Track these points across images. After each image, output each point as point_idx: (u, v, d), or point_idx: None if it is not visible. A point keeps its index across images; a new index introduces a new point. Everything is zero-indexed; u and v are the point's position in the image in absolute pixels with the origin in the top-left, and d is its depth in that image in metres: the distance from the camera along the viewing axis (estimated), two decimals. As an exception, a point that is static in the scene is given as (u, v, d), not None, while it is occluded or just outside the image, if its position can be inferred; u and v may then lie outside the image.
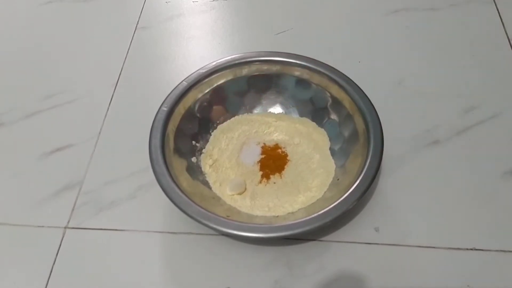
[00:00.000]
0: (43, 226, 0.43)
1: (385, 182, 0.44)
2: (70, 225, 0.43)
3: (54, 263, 0.41)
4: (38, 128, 0.50)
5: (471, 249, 0.40)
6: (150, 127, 0.43)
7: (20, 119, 0.51)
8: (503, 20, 0.57)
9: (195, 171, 0.44)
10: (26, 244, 0.42)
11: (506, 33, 0.55)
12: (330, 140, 0.46)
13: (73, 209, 0.44)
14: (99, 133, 0.49)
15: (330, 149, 0.46)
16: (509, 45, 0.54)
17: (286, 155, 0.46)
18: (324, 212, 0.38)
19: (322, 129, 0.47)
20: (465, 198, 0.43)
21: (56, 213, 0.44)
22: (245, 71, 0.48)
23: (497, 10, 0.58)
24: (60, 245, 0.42)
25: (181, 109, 0.45)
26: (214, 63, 0.47)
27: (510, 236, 0.41)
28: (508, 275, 0.39)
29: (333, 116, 0.47)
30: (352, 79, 0.45)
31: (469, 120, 0.48)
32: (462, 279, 0.39)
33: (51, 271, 0.40)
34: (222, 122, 0.48)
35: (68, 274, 0.40)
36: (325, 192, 0.43)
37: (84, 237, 0.42)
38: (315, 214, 0.38)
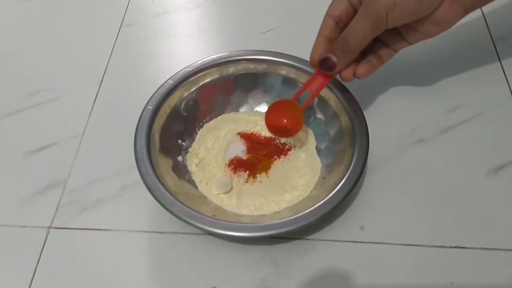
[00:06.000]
0: (26, 226, 0.43)
1: (370, 181, 0.44)
2: (54, 225, 0.42)
3: (37, 264, 0.40)
4: (22, 126, 0.50)
5: (455, 247, 0.40)
6: (135, 126, 0.42)
7: (3, 117, 0.50)
8: (487, 21, 0.57)
9: (181, 170, 0.44)
10: (9, 244, 0.42)
11: (490, 34, 0.56)
12: (316, 139, 0.47)
13: (57, 209, 0.43)
14: (84, 131, 0.49)
15: (316, 148, 0.46)
16: (493, 45, 0.55)
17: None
18: (310, 211, 0.38)
19: (308, 128, 0.47)
20: (449, 197, 0.43)
21: (39, 212, 0.43)
22: (231, 69, 0.48)
23: (481, 10, 0.58)
24: (43, 245, 0.41)
25: (166, 108, 0.45)
26: (200, 62, 0.47)
27: (493, 234, 0.41)
28: (490, 272, 0.39)
29: (319, 115, 0.47)
30: (338, 78, 0.45)
31: (454, 119, 0.49)
32: (446, 276, 0.39)
33: (34, 272, 0.40)
34: (209, 121, 0.48)
35: (52, 274, 0.40)
36: (311, 191, 0.43)
37: (68, 237, 0.42)
38: (301, 213, 0.38)
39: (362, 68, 0.42)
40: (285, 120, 0.43)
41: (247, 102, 0.49)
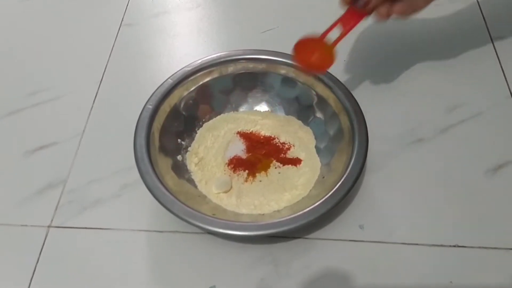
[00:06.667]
0: (26, 225, 0.43)
1: (370, 180, 0.44)
2: (53, 224, 0.42)
3: (37, 263, 0.40)
4: (22, 126, 0.50)
5: (454, 246, 0.41)
6: (135, 125, 0.42)
7: (3, 117, 0.50)
8: (485, 20, 0.57)
9: (180, 169, 0.44)
10: (9, 244, 0.42)
11: (489, 33, 0.56)
12: (315, 138, 0.47)
13: (56, 208, 0.43)
14: (83, 131, 0.49)
15: (316, 147, 0.46)
16: (492, 45, 0.55)
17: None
18: (309, 210, 0.38)
19: (308, 127, 0.47)
20: (448, 196, 0.44)
21: (39, 212, 0.43)
22: (231, 69, 0.48)
23: (480, 10, 0.58)
24: (43, 244, 0.41)
25: (166, 107, 0.45)
26: (199, 61, 0.47)
27: (492, 233, 0.41)
28: (489, 271, 0.39)
29: (319, 115, 0.47)
30: (338, 78, 0.45)
31: (453, 118, 0.49)
32: (445, 275, 0.39)
33: (34, 271, 0.40)
34: (208, 120, 0.48)
35: (52, 273, 0.40)
36: (310, 190, 0.43)
37: (67, 236, 0.42)
38: (301, 212, 0.38)
39: (399, 6, 0.42)
40: (317, 55, 0.42)
41: (246, 102, 0.49)
